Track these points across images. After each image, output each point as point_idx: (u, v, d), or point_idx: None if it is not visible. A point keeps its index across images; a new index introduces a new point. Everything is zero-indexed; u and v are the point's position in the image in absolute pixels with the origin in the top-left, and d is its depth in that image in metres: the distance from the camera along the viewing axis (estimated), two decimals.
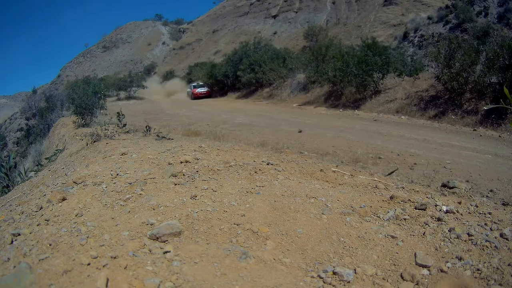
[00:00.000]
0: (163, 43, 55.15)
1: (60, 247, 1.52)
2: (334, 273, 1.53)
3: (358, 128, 8.01)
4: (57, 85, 48.92)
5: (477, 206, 2.13)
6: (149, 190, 2.25)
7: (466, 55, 8.69)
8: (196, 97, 22.01)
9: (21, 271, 1.26)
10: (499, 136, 7.00)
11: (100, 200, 2.11)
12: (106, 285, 1.27)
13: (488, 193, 3.57)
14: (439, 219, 1.94)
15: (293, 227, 1.88)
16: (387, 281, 1.51)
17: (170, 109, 15.10)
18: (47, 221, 1.82)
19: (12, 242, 1.59)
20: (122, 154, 3.43)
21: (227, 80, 21.53)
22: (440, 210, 2.07)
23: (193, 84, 23.73)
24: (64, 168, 3.60)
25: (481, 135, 7.18)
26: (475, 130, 7.61)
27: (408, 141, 6.58)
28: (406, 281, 1.49)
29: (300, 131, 7.54)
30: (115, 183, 2.41)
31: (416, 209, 2.10)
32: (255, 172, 2.75)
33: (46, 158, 6.47)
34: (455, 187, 2.77)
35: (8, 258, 1.43)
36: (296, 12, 37.99)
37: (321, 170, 3.00)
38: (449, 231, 1.81)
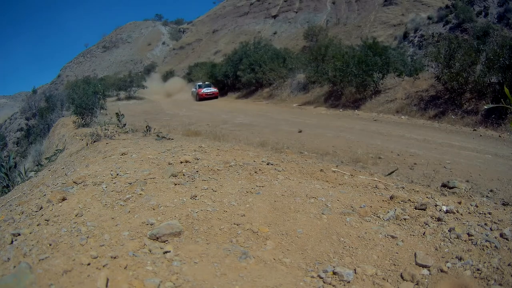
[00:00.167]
0: (163, 43, 55.16)
1: (60, 247, 1.52)
2: (334, 273, 1.53)
3: (358, 128, 8.01)
4: (57, 85, 48.93)
5: (477, 206, 2.13)
6: (149, 190, 2.25)
7: (466, 55, 8.70)
8: (202, 98, 20.01)
9: (21, 271, 1.26)
10: (499, 136, 7.00)
11: (100, 200, 2.11)
12: (106, 285, 1.27)
13: (488, 193, 3.57)
14: (439, 219, 1.94)
15: (293, 227, 1.88)
16: (387, 281, 1.51)
17: (170, 109, 15.10)
18: (47, 221, 1.82)
19: (12, 242, 1.59)
20: (122, 154, 3.43)
21: (227, 80, 21.51)
22: (440, 210, 2.07)
23: (198, 84, 21.73)
24: (64, 168, 3.60)
25: (481, 135, 7.18)
26: (475, 130, 7.61)
27: (408, 141, 6.58)
28: (406, 281, 1.49)
29: (300, 131, 7.54)
30: (115, 183, 2.41)
31: (416, 209, 2.10)
32: (255, 172, 2.75)
33: (46, 158, 6.47)
34: (455, 187, 2.77)
35: (8, 258, 1.42)
36: (296, 12, 38.00)
37: (321, 170, 3.00)
38: (449, 231, 1.81)
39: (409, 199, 2.21)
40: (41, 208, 2.04)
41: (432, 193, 2.50)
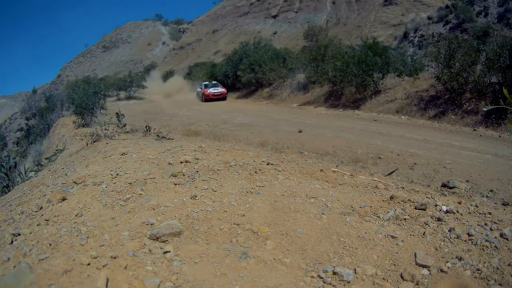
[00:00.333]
0: (163, 43, 55.17)
1: (60, 247, 1.52)
2: (334, 273, 1.53)
3: (358, 128, 8.01)
4: (57, 85, 48.94)
5: (477, 206, 2.13)
6: (149, 190, 2.25)
7: (466, 55, 8.70)
8: (209, 99, 18.32)
9: (21, 271, 1.26)
10: (499, 136, 7.00)
11: (100, 200, 2.11)
12: (106, 285, 1.27)
13: (488, 193, 3.57)
14: (439, 219, 1.94)
15: (293, 227, 1.88)
16: (387, 281, 1.51)
17: (170, 109, 15.10)
18: (47, 221, 1.82)
19: (12, 242, 1.59)
20: (122, 154, 3.43)
21: (227, 80, 21.47)
22: (440, 210, 2.07)
23: (205, 83, 19.92)
24: (64, 168, 3.60)
25: (481, 135, 7.18)
26: (475, 130, 7.61)
27: (408, 141, 6.58)
28: (406, 281, 1.50)
29: (300, 131, 7.54)
30: (115, 183, 2.41)
31: (416, 209, 2.10)
32: (255, 172, 2.75)
33: (46, 158, 6.47)
34: (455, 187, 2.77)
35: (8, 258, 1.43)
36: (296, 12, 38.00)
37: (321, 170, 3.00)
38: (449, 231, 1.81)
39: (409, 199, 2.22)
40: (41, 208, 2.04)
41: (432, 193, 2.50)
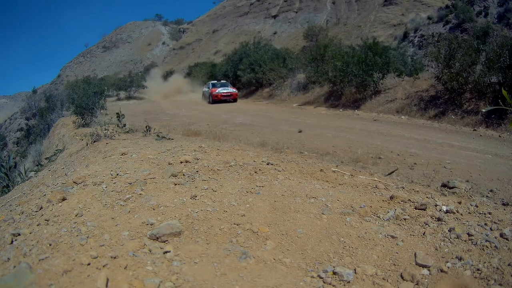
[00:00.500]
0: (163, 43, 55.17)
1: (60, 247, 1.52)
2: (334, 273, 1.53)
3: (358, 128, 8.01)
4: (57, 85, 48.93)
5: (477, 206, 2.13)
6: (149, 190, 2.25)
7: (466, 55, 8.69)
8: (217, 100, 16.58)
9: (21, 271, 1.26)
10: (499, 136, 7.00)
11: (100, 200, 2.11)
12: (106, 285, 1.27)
13: (488, 193, 3.56)
14: (439, 219, 1.94)
15: (293, 227, 1.88)
16: (387, 281, 1.51)
17: (170, 109, 15.09)
18: (47, 221, 1.82)
19: (12, 242, 1.59)
20: (122, 154, 3.43)
21: (227, 80, 21.46)
22: (440, 210, 2.07)
23: (212, 82, 18.14)
24: (64, 168, 3.60)
25: (481, 135, 7.17)
26: (475, 130, 7.61)
27: (408, 141, 6.58)
28: (406, 281, 1.50)
29: (300, 131, 7.54)
30: (115, 183, 2.41)
31: (416, 209, 2.10)
32: (255, 172, 2.75)
33: (46, 158, 6.47)
34: (455, 187, 2.77)
35: (8, 258, 1.43)
36: (296, 12, 38.00)
37: (321, 170, 3.00)
38: (449, 231, 1.81)
39: (409, 199, 2.22)
40: (41, 208, 2.04)
41: (432, 193, 2.50)
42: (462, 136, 7.18)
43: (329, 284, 1.48)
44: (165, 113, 13.35)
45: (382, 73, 11.18)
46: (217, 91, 16.79)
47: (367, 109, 10.88)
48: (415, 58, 15.11)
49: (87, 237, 1.63)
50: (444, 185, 2.87)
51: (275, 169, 2.90)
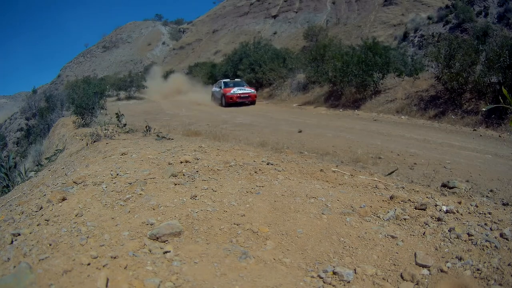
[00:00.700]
0: (163, 43, 55.16)
1: (60, 247, 1.52)
2: (334, 273, 1.53)
3: (358, 128, 8.01)
4: (57, 85, 48.91)
5: (477, 206, 2.13)
6: (149, 190, 2.25)
7: (466, 55, 8.69)
8: (232, 102, 13.87)
9: (21, 271, 1.26)
10: (499, 136, 7.00)
11: (100, 200, 2.11)
12: (106, 285, 1.27)
13: (488, 193, 3.56)
14: (439, 219, 1.94)
15: (293, 227, 1.88)
16: (387, 281, 1.51)
17: (170, 109, 15.09)
18: (47, 221, 1.82)
19: (12, 242, 1.59)
20: (122, 154, 3.43)
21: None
22: (440, 210, 2.07)
23: (224, 81, 15.30)
24: (64, 168, 3.60)
25: (481, 135, 7.17)
26: (475, 130, 7.61)
27: (408, 141, 6.58)
28: (406, 281, 1.50)
29: (300, 131, 7.54)
30: (115, 183, 2.41)
31: (416, 209, 2.10)
32: (255, 172, 2.75)
33: (46, 158, 6.47)
34: (455, 187, 2.77)
35: (8, 258, 1.43)
36: (296, 12, 38.00)
37: (321, 170, 3.00)
38: (449, 231, 1.81)
39: (409, 199, 2.22)
40: (41, 208, 2.04)
41: (432, 193, 2.50)
42: (462, 136, 7.18)
43: (329, 284, 1.48)
44: (165, 113, 13.34)
45: (382, 73, 11.18)
46: (231, 91, 14.14)
47: (367, 109, 10.88)
48: (415, 58, 15.10)
49: (87, 237, 1.63)
50: (444, 185, 2.87)
51: (275, 169, 2.90)
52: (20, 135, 25.53)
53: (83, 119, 8.80)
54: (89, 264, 1.38)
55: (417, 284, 1.48)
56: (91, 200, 2.10)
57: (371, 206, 2.17)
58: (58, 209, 1.98)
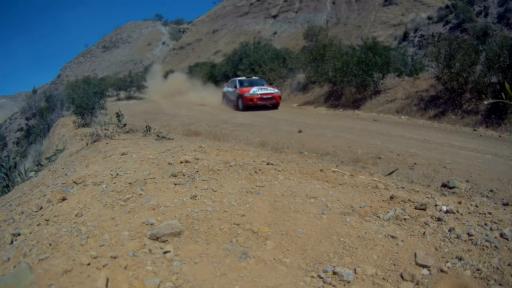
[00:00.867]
0: (163, 43, 55.15)
1: (60, 247, 1.52)
2: (334, 273, 1.53)
3: (358, 128, 8.00)
4: (57, 85, 48.90)
5: (477, 206, 2.13)
6: (149, 190, 2.25)
7: (466, 55, 8.69)
8: (252, 105, 11.79)
9: (21, 271, 1.26)
10: (499, 136, 7.00)
11: (100, 200, 2.11)
12: (106, 285, 1.27)
13: (488, 193, 3.56)
14: (439, 219, 1.94)
15: (293, 227, 1.88)
16: (387, 281, 1.51)
17: (170, 109, 15.08)
18: (47, 221, 1.82)
19: (12, 242, 1.59)
20: (122, 154, 3.43)
21: (227, 80, 21.34)
22: (440, 210, 2.07)
23: (239, 79, 13.12)
24: (64, 168, 3.60)
25: (481, 135, 7.17)
26: (475, 130, 7.61)
27: (408, 141, 6.58)
28: (406, 281, 1.50)
29: (300, 131, 7.54)
30: (115, 183, 2.41)
31: (416, 209, 2.10)
32: (255, 172, 2.75)
33: (46, 158, 6.47)
34: (455, 187, 2.77)
35: (8, 258, 1.43)
36: (296, 12, 37.99)
37: (321, 170, 3.00)
38: (449, 231, 1.81)
39: (409, 199, 2.22)
40: (41, 208, 2.04)
41: (432, 193, 2.50)
42: (462, 136, 7.18)
43: (329, 284, 1.48)
44: (165, 113, 13.34)
45: (382, 73, 11.18)
46: (251, 91, 11.88)
47: (367, 109, 10.88)
48: (415, 58, 15.09)
49: (87, 237, 1.63)
50: (444, 185, 2.87)
51: (275, 169, 2.90)
52: (20, 135, 25.52)
53: (83, 119, 8.79)
54: (89, 264, 1.38)
55: (417, 284, 1.48)
56: (91, 200, 2.10)
57: (371, 206, 2.17)
58: (58, 209, 1.98)
